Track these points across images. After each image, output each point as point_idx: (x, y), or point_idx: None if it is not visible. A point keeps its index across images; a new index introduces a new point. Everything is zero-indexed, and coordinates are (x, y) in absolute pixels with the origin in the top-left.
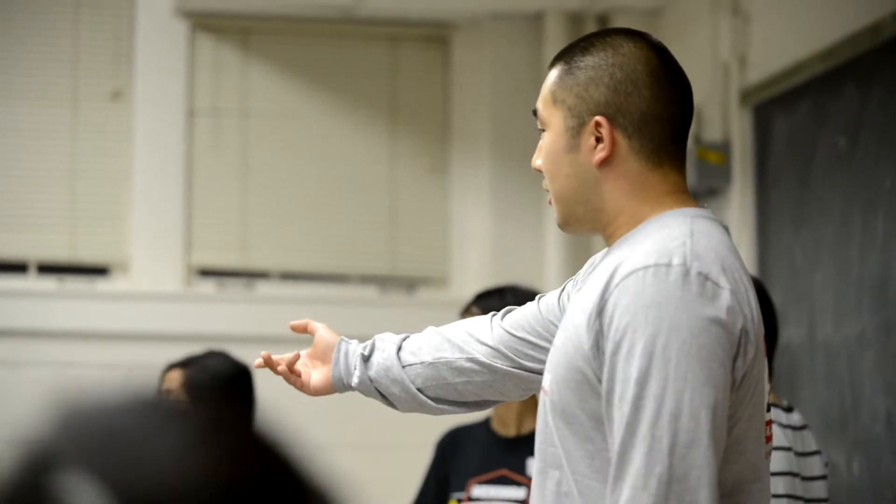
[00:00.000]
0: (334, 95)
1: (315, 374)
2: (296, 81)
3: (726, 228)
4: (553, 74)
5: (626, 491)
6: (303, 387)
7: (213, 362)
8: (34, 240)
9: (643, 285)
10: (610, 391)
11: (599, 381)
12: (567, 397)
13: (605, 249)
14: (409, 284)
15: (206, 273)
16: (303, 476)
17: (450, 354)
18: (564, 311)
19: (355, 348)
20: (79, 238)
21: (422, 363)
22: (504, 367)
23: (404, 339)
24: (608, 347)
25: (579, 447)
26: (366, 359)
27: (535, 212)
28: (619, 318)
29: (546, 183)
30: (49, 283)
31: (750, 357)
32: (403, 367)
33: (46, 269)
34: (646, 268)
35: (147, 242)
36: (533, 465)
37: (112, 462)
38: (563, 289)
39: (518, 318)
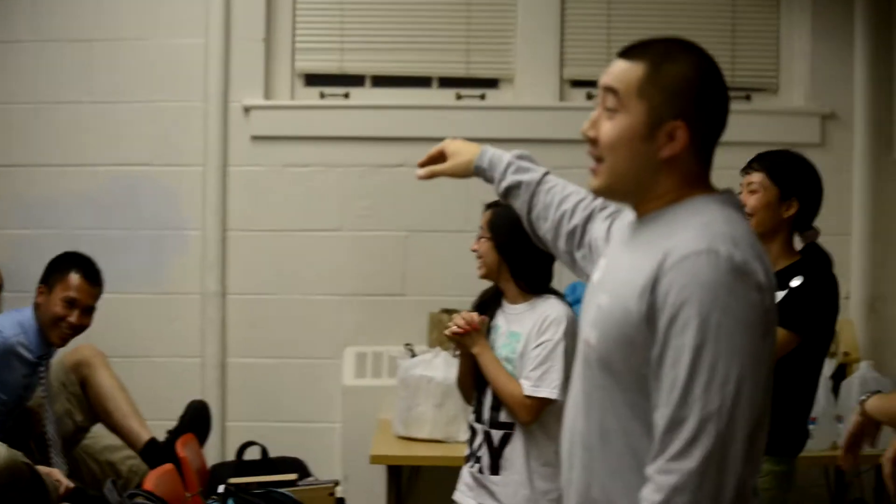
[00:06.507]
0: None
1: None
2: None
3: (744, 210)
4: (636, 69)
5: (678, 442)
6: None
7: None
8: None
9: (698, 268)
10: (662, 355)
11: (644, 344)
12: (613, 354)
13: (635, 215)
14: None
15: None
16: None
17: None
18: (607, 242)
19: (501, 153)
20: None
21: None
22: (571, 227)
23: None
24: (662, 319)
25: (620, 394)
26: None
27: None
28: (676, 295)
29: (595, 151)
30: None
31: (773, 328)
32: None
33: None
34: (698, 253)
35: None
36: (572, 403)
37: None
38: (612, 225)
39: (595, 229)
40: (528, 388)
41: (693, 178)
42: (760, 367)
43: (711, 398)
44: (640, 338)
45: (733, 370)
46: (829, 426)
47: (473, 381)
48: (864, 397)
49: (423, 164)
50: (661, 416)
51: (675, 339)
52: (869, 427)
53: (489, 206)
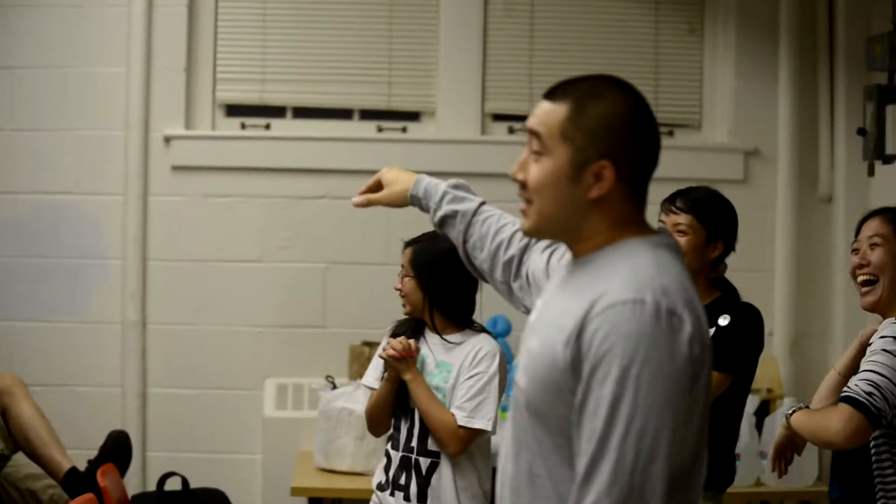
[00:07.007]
0: None
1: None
2: None
3: (680, 251)
4: (560, 110)
5: (592, 495)
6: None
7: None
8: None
9: (622, 318)
10: (583, 404)
11: (571, 391)
12: (541, 398)
13: (571, 257)
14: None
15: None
16: None
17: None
18: (548, 276)
19: (437, 182)
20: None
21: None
22: (507, 257)
23: (483, 204)
24: (585, 368)
25: (549, 439)
26: (455, 199)
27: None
28: (598, 344)
29: (525, 194)
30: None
31: (704, 373)
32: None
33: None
34: (623, 303)
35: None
36: (504, 446)
37: None
38: (551, 256)
39: (533, 260)
40: (462, 418)
41: (625, 219)
42: (689, 418)
43: (626, 451)
44: (567, 384)
45: (650, 424)
46: (752, 462)
47: (392, 409)
48: (790, 411)
49: (361, 194)
50: (579, 465)
51: (596, 389)
52: (795, 439)
53: (408, 243)
